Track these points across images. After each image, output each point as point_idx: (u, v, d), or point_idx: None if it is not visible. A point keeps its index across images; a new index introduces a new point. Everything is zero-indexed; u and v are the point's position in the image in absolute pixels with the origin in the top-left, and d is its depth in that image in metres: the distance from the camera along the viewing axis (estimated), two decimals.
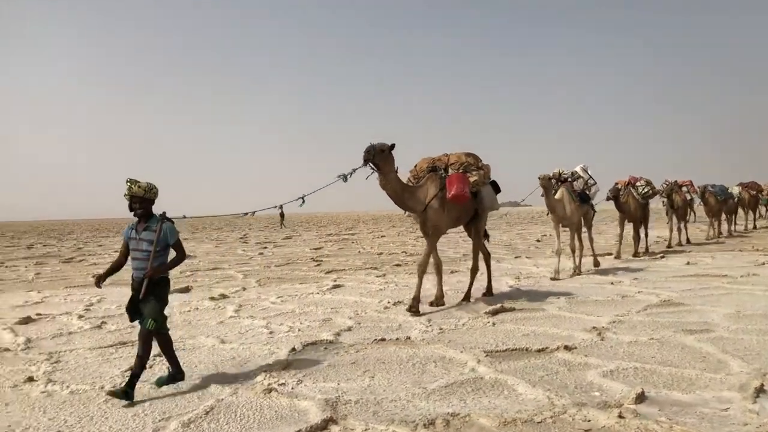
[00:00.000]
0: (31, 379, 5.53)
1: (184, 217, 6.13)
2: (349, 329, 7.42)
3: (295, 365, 5.82)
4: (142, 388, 5.15)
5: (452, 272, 13.10)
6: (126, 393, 4.80)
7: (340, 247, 23.54)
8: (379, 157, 8.08)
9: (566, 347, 6.17)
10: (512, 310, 8.39)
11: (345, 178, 7.94)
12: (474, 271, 9.54)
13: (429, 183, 8.84)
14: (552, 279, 11.56)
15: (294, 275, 13.90)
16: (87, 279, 14.21)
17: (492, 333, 7.05)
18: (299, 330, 7.43)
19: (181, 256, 5.29)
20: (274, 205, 8.14)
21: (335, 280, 12.42)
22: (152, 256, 5.01)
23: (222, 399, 4.85)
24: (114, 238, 37.40)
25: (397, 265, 15.43)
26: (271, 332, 7.33)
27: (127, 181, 5.01)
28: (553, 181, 12.20)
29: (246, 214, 7.35)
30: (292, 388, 5.06)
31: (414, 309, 8.23)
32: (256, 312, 8.88)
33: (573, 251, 12.57)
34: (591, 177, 12.97)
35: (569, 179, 12.58)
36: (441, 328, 7.30)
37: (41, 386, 5.33)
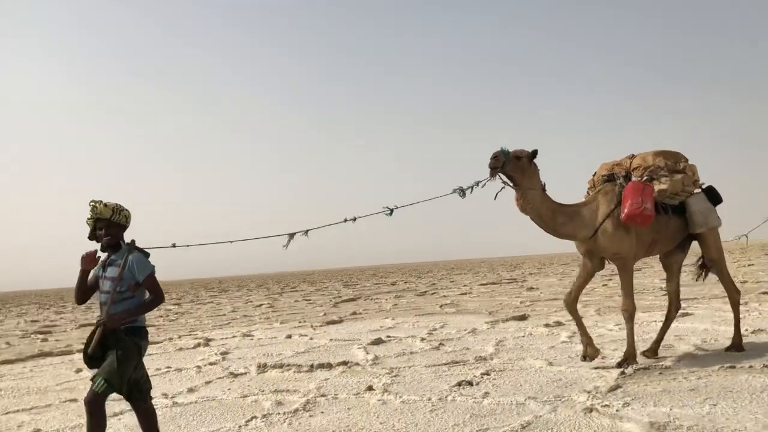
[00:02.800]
0: (370, 389, 6.06)
1: (174, 245, 4.48)
2: (693, 356, 6.63)
3: (624, 389, 5.36)
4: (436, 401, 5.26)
5: None
6: None
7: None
8: (514, 166, 6.18)
9: None
10: None
11: (462, 192, 6.18)
12: (670, 313, 7.08)
13: (600, 198, 6.59)
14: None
15: (638, 304, 12.97)
16: (435, 308, 15.22)
17: None
18: None
19: (156, 298, 3.96)
20: (347, 218, 5.82)
21: (684, 309, 11.25)
22: (111, 298, 3.82)
23: (540, 416, 4.69)
24: (467, 275, 39.53)
25: (764, 293, 13.37)
26: (602, 357, 6.90)
27: (91, 203, 3.91)
28: None
29: (293, 235, 5.33)
30: (617, 410, 4.65)
31: (628, 363, 6.25)
32: None
33: None
34: None
35: None
36: None
37: (378, 395, 5.80)
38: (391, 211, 5.96)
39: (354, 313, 15.40)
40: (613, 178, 6.77)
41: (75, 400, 6.51)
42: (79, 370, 8.66)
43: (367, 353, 8.33)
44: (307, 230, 5.40)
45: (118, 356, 3.71)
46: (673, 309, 7.17)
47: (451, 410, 5.10)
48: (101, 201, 3.89)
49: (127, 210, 3.97)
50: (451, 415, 4.93)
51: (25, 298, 64.73)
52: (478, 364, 7.07)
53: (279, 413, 5.33)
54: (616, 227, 6.35)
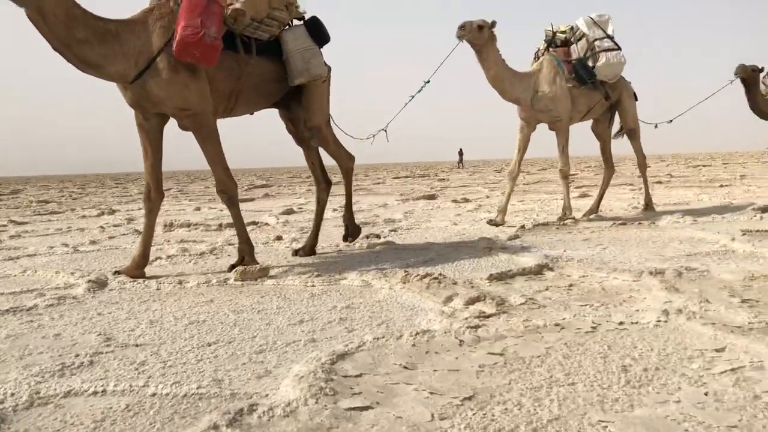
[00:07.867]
0: (279, 239, 6.14)
1: None
2: (589, 220, 6.98)
3: (522, 239, 5.63)
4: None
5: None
6: None
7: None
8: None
9: None
10: None
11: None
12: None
13: (151, 21, 4.11)
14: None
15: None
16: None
17: (757, 222, 6.13)
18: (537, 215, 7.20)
19: None
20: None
21: (585, 192, 11.83)
22: None
23: (442, 254, 4.90)
24: (381, 172, 39.77)
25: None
26: (512, 226, 7.15)
27: None
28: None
29: None
30: (514, 253, 4.86)
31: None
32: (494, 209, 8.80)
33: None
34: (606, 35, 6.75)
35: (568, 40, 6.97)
36: (695, 220, 6.50)
37: (286, 244, 5.87)
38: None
39: (266, 195, 15.35)
40: None
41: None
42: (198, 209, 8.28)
43: (278, 219, 8.35)
44: None
45: None
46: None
47: (359, 256, 5.20)
48: None
49: None
50: (360, 259, 5.04)
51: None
52: (387, 225, 7.23)
53: (186, 256, 5.31)
54: (173, 68, 4.03)
